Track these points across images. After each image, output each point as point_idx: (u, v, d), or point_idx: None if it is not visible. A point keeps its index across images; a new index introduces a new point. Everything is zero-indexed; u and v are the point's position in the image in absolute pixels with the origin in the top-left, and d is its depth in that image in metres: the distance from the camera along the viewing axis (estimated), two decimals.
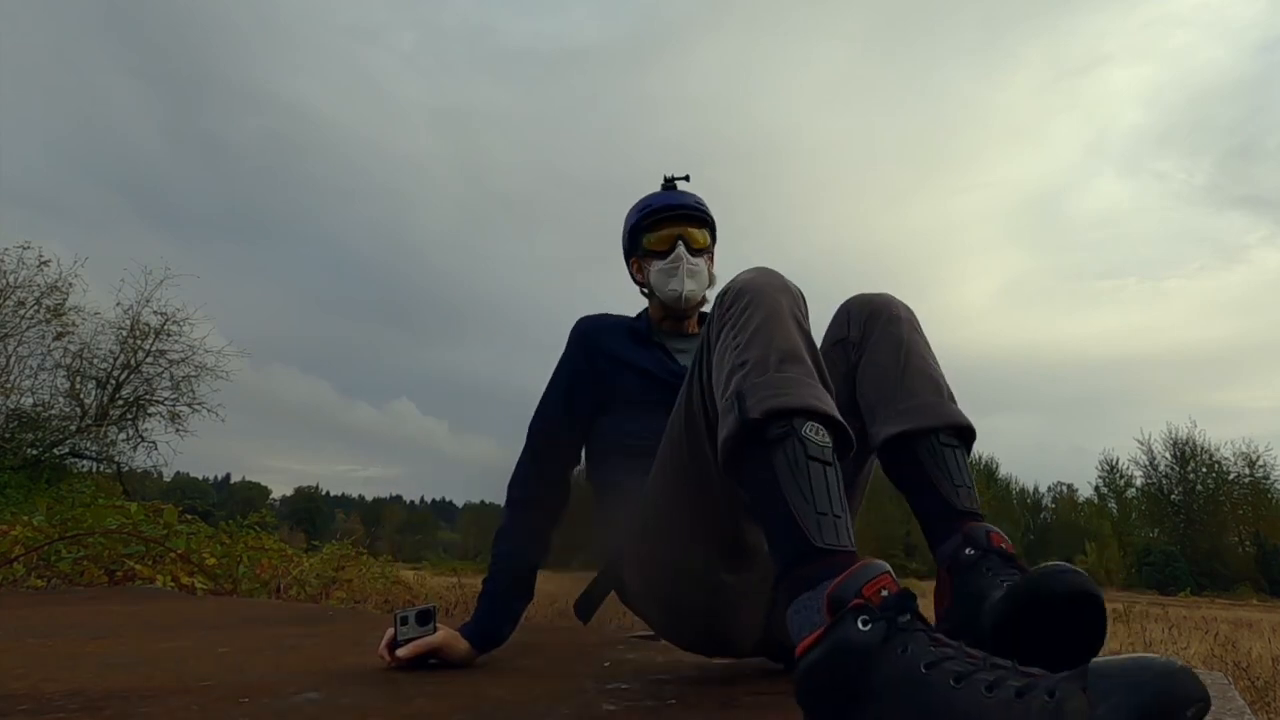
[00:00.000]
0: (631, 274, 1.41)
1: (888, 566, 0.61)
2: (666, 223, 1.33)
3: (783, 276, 0.90)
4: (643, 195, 1.40)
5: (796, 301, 0.87)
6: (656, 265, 1.32)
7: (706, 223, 1.36)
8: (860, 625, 0.56)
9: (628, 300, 1.46)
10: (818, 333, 0.98)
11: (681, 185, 1.42)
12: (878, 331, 1.01)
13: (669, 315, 1.35)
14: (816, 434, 0.71)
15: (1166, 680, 0.44)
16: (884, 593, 0.58)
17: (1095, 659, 0.49)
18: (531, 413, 1.31)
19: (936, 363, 1.00)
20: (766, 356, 0.77)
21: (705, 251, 1.35)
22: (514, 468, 1.29)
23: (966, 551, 0.80)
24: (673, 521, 0.99)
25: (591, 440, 1.28)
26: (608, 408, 1.25)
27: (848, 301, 1.09)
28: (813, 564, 0.63)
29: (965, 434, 0.92)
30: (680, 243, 1.31)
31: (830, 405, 0.74)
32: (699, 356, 0.91)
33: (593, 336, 1.30)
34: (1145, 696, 0.44)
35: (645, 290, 1.38)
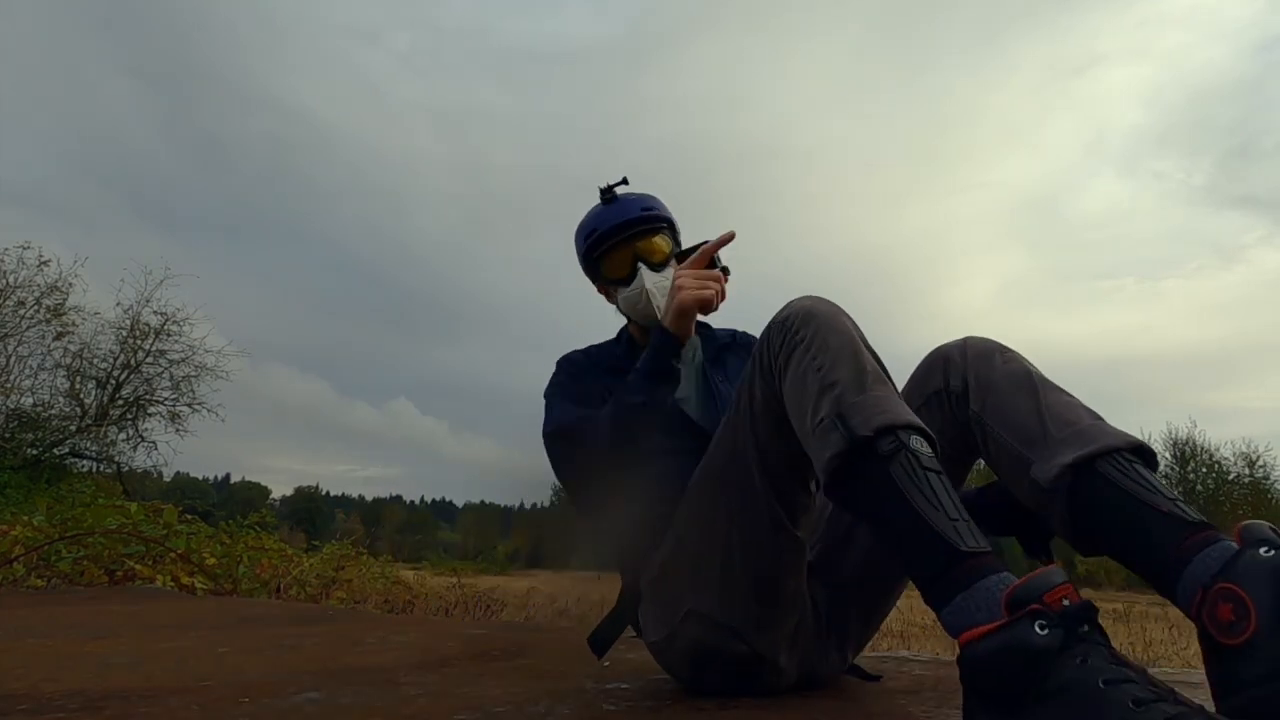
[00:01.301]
0: (603, 295, 1.31)
1: (1066, 577, 0.60)
2: (617, 246, 1.22)
3: (833, 302, 0.89)
4: (590, 208, 1.27)
5: (858, 326, 0.87)
6: (622, 293, 1.22)
7: (660, 227, 1.24)
8: (1038, 629, 0.56)
9: None
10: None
11: (621, 190, 1.26)
12: (996, 372, 0.90)
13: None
14: (923, 446, 0.72)
15: None
16: (1065, 601, 0.57)
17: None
18: (522, 411, 1.24)
19: None
20: (858, 377, 0.78)
21: (669, 259, 1.23)
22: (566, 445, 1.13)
23: (1264, 551, 0.62)
24: (707, 564, 0.94)
25: None
26: None
27: (936, 352, 0.98)
28: (961, 567, 0.64)
29: (1148, 457, 0.77)
30: (640, 265, 1.20)
31: (923, 423, 0.75)
32: (749, 384, 0.90)
33: (579, 378, 1.20)
34: None
35: (617, 306, 1.28)
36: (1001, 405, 0.87)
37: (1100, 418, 0.82)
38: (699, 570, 0.94)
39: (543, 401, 1.22)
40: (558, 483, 1.27)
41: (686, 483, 0.99)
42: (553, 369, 1.25)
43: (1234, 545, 0.65)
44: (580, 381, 1.20)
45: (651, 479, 1.05)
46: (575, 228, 1.30)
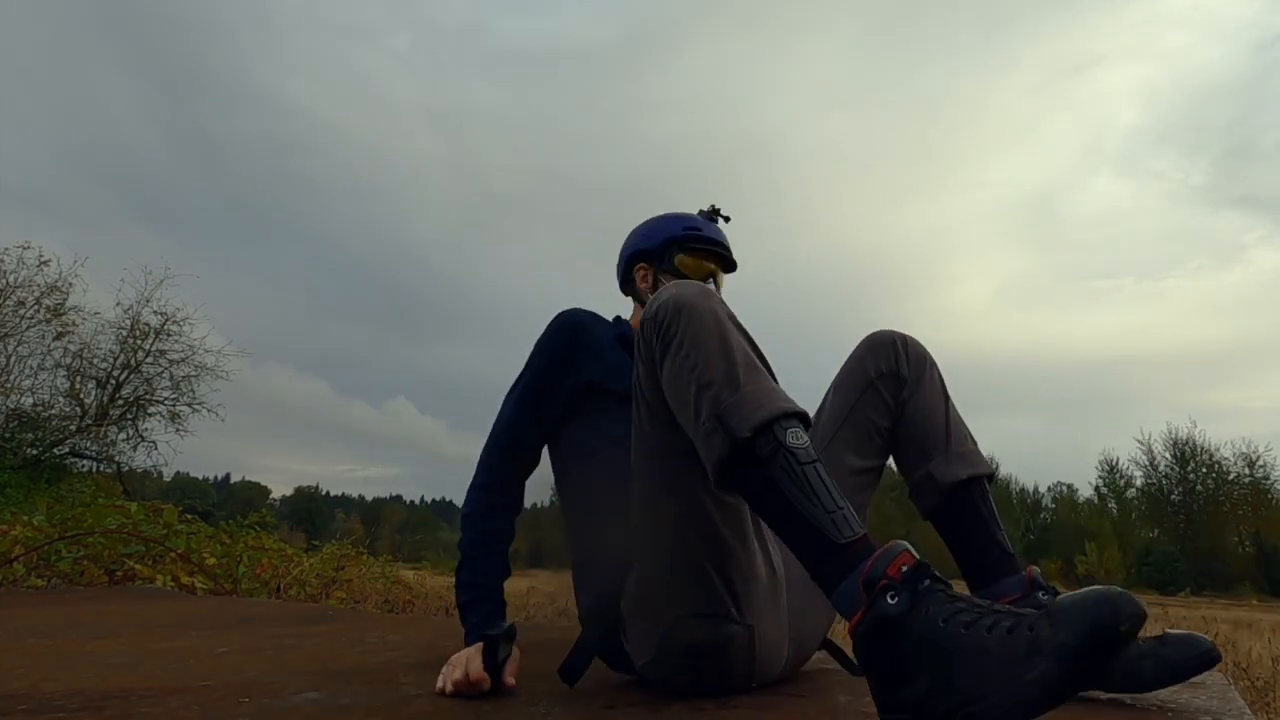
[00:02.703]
0: (632, 278, 1.32)
1: (906, 545, 0.71)
2: (708, 255, 1.31)
3: (703, 284, 0.93)
4: (674, 209, 1.34)
5: (726, 306, 0.91)
6: None
7: (729, 271, 1.35)
8: (889, 600, 0.68)
9: (623, 300, 1.41)
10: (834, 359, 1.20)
11: (721, 225, 1.38)
12: (926, 374, 1.15)
13: None
14: (798, 439, 0.77)
15: (1108, 603, 0.60)
16: (904, 568, 0.69)
17: (1060, 595, 0.68)
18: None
19: None
20: (730, 371, 0.82)
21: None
22: (479, 466, 1.16)
23: (1040, 595, 0.97)
24: (673, 567, 0.95)
25: (562, 448, 1.18)
26: (585, 412, 1.15)
27: (884, 336, 1.17)
28: (840, 557, 0.73)
29: (992, 480, 1.12)
30: (712, 280, 1.31)
31: (793, 401, 0.81)
32: (636, 379, 0.94)
33: (583, 332, 1.18)
34: (1092, 618, 0.59)
35: (646, 301, 1.21)
36: (922, 404, 1.13)
37: (975, 443, 1.13)
38: (673, 574, 0.95)
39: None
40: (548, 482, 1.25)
41: None
42: (551, 326, 1.19)
43: (1024, 579, 0.98)
44: (579, 345, 1.16)
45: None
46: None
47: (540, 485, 1.31)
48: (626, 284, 1.37)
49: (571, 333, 1.17)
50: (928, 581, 0.69)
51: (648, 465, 0.95)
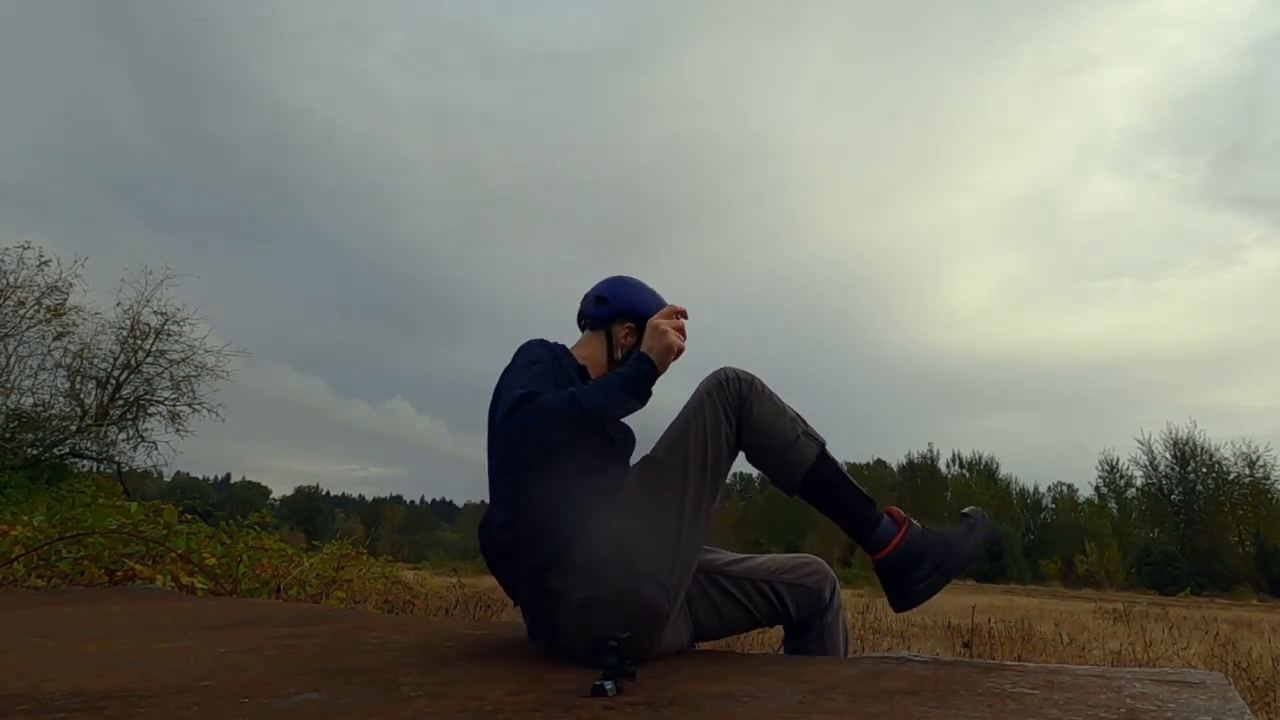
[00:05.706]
0: (617, 334, 1.48)
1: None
2: None
3: None
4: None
5: None
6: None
7: None
8: (915, 529, 1.32)
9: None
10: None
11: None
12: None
13: None
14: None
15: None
16: (913, 520, 1.34)
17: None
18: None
19: None
20: (799, 417, 1.35)
21: None
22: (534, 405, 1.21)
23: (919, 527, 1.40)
24: (663, 537, 1.23)
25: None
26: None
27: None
28: (874, 511, 1.32)
29: None
30: None
31: None
32: (710, 409, 1.30)
33: (563, 362, 1.36)
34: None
35: (619, 355, 1.47)
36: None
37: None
38: (653, 538, 1.21)
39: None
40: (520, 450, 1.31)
41: (614, 470, 1.29)
42: (529, 344, 1.38)
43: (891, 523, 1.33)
44: (562, 373, 1.33)
45: (602, 465, 1.29)
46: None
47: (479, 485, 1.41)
48: (605, 326, 1.49)
49: (557, 359, 1.35)
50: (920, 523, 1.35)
51: (688, 461, 1.27)
